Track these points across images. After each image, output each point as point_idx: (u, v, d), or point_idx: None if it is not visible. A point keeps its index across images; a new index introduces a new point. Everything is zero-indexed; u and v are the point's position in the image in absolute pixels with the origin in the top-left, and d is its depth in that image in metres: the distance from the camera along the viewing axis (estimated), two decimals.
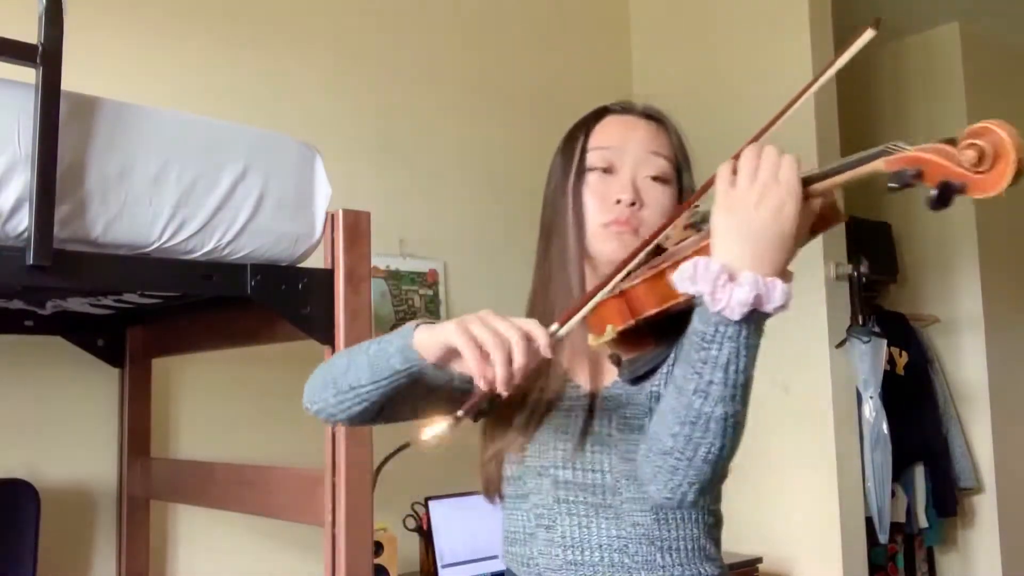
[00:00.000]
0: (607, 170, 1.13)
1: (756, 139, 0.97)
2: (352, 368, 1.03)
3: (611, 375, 1.11)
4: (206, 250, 1.48)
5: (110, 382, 2.23)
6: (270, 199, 1.54)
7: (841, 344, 2.94)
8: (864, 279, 3.07)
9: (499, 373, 0.86)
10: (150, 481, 2.16)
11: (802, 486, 2.95)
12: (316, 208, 1.62)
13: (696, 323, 0.85)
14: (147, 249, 1.43)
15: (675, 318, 1.00)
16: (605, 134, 1.15)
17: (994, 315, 3.86)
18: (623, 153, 1.12)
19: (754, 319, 0.84)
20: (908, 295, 3.99)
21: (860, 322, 3.00)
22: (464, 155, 2.97)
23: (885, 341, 3.03)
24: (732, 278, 0.83)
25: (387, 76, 2.82)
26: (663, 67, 3.48)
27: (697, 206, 1.02)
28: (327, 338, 1.60)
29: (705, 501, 1.07)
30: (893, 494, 3.23)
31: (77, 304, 1.85)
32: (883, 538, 3.10)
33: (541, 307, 1.16)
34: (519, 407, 1.12)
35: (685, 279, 0.85)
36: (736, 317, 0.82)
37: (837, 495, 2.85)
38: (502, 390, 0.87)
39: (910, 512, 3.55)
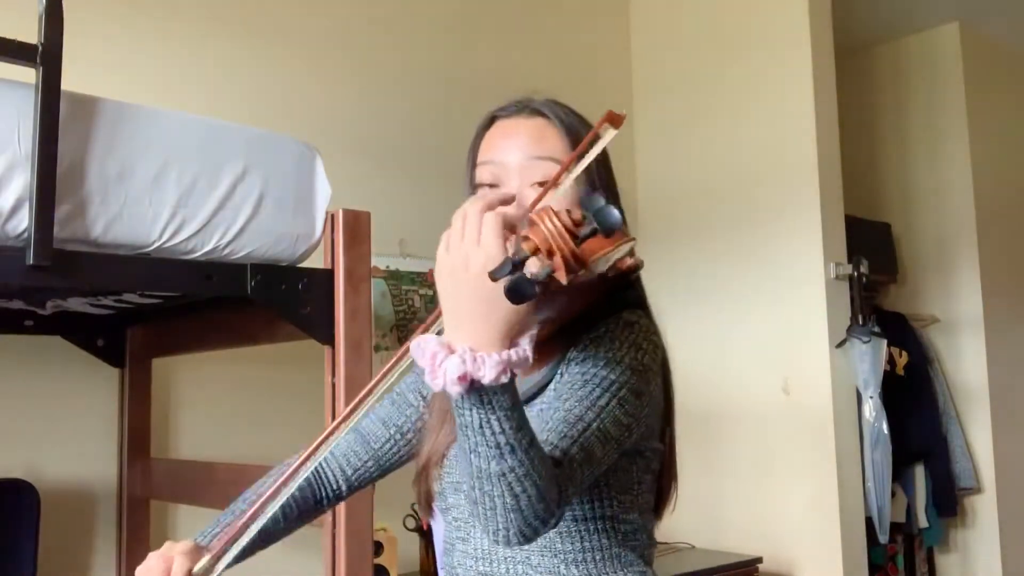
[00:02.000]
0: (494, 185, 1.10)
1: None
2: None
3: None
4: (206, 250, 1.48)
5: (110, 382, 2.23)
6: (270, 199, 1.54)
7: (841, 344, 2.94)
8: (864, 279, 3.06)
9: None
10: (150, 481, 2.16)
11: (802, 486, 2.95)
12: (316, 208, 1.62)
13: None
14: (147, 249, 1.43)
15: (563, 334, 0.99)
16: (489, 146, 1.13)
17: (994, 315, 3.86)
18: (506, 165, 1.09)
19: (487, 388, 0.81)
20: (908, 295, 3.99)
21: (860, 322, 3.00)
22: (464, 154, 2.97)
23: (885, 341, 3.02)
24: (449, 353, 0.81)
25: (387, 76, 2.82)
26: (663, 67, 3.48)
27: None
28: (327, 338, 1.60)
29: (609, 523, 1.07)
30: (893, 494, 3.23)
31: (77, 304, 1.86)
32: (883, 538, 3.10)
33: None
34: (447, 421, 1.13)
35: (417, 355, 0.83)
36: (455, 394, 0.81)
37: (837, 495, 2.85)
38: None
39: (910, 512, 3.55)
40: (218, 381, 2.39)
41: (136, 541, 2.18)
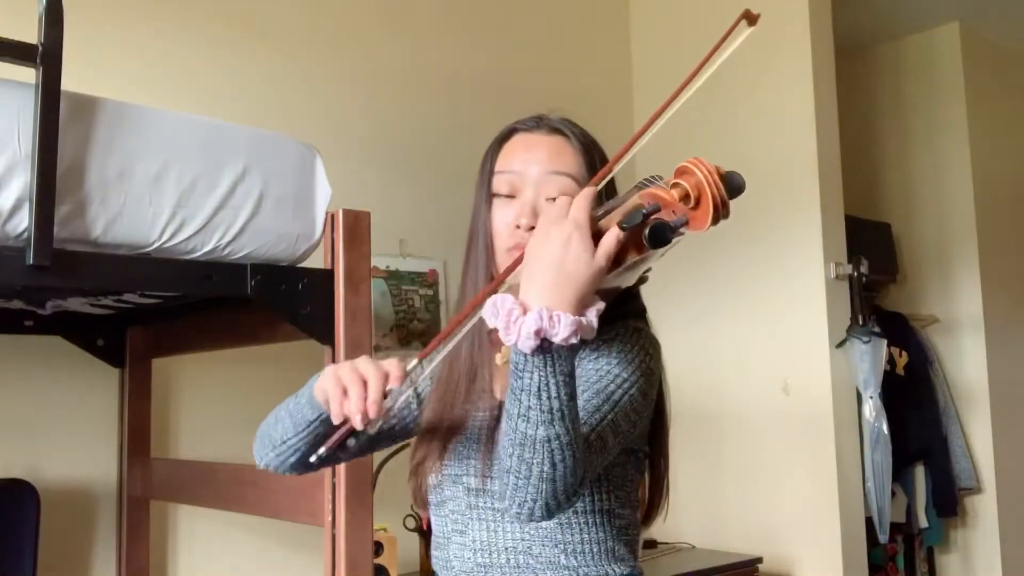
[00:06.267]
0: (510, 195, 1.15)
1: (640, 135, 0.99)
2: (279, 424, 1.17)
3: None
4: (206, 250, 1.48)
5: (110, 382, 2.23)
6: (270, 199, 1.54)
7: (841, 344, 2.94)
8: (864, 279, 3.07)
9: (353, 408, 0.93)
10: (150, 481, 2.16)
11: (802, 486, 2.95)
12: (316, 208, 1.62)
13: (511, 353, 0.90)
14: (147, 249, 1.43)
15: None
16: (508, 157, 1.18)
17: (994, 315, 3.86)
18: (524, 176, 1.14)
19: (555, 349, 0.87)
20: (908, 295, 3.99)
21: (860, 322, 3.00)
22: (464, 155, 2.96)
23: (885, 341, 3.02)
24: (525, 312, 0.87)
25: (387, 76, 2.82)
26: (663, 66, 3.48)
27: None
28: (327, 338, 1.60)
29: (606, 510, 1.12)
30: (893, 494, 3.23)
31: (77, 304, 1.86)
32: (883, 538, 3.10)
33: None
34: (445, 418, 1.17)
35: (489, 314, 0.89)
36: (526, 349, 0.86)
37: (837, 495, 2.85)
38: (358, 425, 0.94)
39: (910, 512, 3.55)
40: (218, 381, 2.39)
41: (136, 541, 2.18)
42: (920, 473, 3.57)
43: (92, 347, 2.19)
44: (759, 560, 2.90)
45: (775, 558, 2.94)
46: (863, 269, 3.04)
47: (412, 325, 2.74)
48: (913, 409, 3.52)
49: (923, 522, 3.56)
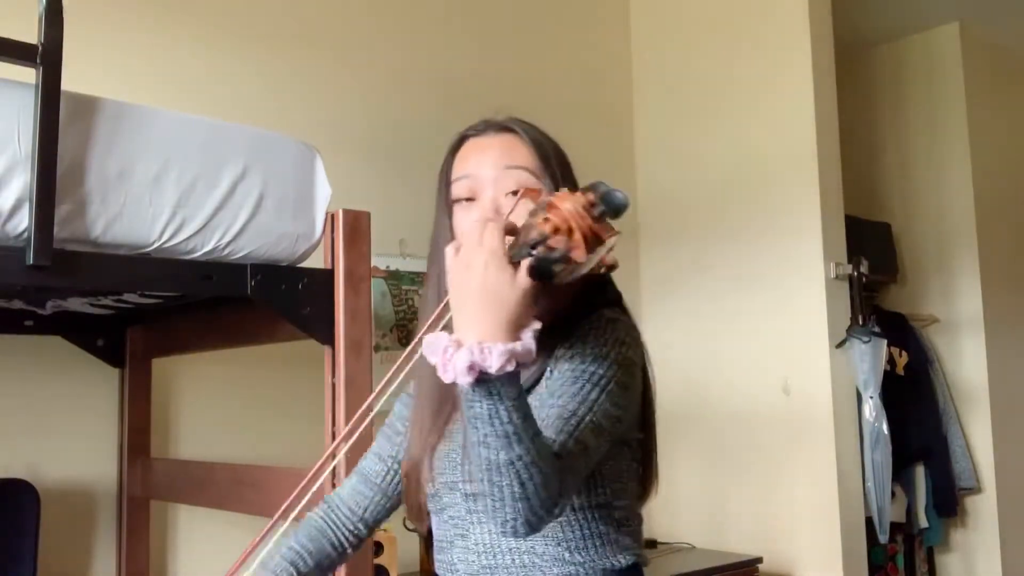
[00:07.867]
0: (470, 198, 1.16)
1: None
2: None
3: None
4: (206, 250, 1.48)
5: (110, 382, 2.23)
6: (270, 199, 1.54)
7: (841, 344, 2.94)
8: (864, 279, 3.07)
9: None
10: (150, 481, 2.16)
11: (802, 486, 2.95)
12: (316, 208, 1.62)
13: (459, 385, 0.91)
14: (147, 249, 1.43)
15: (548, 333, 1.01)
16: (462, 162, 1.19)
17: (994, 315, 3.86)
18: (480, 178, 1.15)
19: (493, 379, 0.87)
20: (908, 295, 3.99)
21: (860, 322, 3.00)
22: None
23: (885, 341, 3.02)
24: (459, 347, 0.87)
25: (387, 76, 2.82)
26: (663, 67, 3.48)
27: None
28: (327, 338, 1.60)
29: (603, 513, 1.12)
30: (893, 494, 3.23)
31: (77, 304, 1.86)
32: (883, 538, 3.09)
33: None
34: (433, 429, 1.17)
35: (429, 353, 0.89)
36: (465, 384, 0.87)
37: (837, 495, 2.85)
38: None
39: (910, 512, 3.55)
40: (218, 381, 2.39)
41: (136, 541, 2.18)
42: (920, 473, 3.57)
43: (92, 347, 2.19)
44: (759, 560, 2.90)
45: (775, 558, 2.94)
46: (863, 269, 3.04)
47: (412, 325, 2.74)
48: (913, 409, 3.52)
49: (923, 522, 3.56)
